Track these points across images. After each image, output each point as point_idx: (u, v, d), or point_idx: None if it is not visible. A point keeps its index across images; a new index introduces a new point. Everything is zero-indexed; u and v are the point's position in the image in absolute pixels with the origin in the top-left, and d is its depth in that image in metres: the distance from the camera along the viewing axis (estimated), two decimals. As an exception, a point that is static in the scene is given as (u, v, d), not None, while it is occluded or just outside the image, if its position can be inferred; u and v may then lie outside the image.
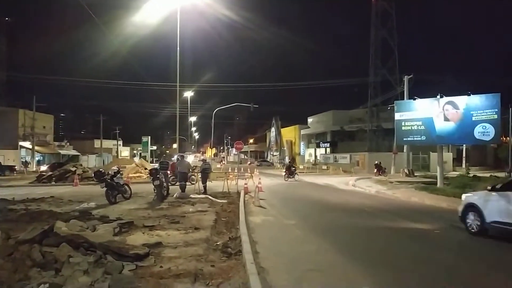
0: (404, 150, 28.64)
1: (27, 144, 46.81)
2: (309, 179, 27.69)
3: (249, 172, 27.00)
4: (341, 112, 52.70)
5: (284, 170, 27.01)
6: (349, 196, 17.03)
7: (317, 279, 5.10)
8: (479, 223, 8.13)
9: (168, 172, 16.33)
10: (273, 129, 72.59)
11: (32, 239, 5.83)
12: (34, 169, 39.38)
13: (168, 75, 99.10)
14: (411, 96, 22.19)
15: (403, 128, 20.30)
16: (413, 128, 19.85)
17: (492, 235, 7.81)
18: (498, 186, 8.21)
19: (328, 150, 53.38)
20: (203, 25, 30.89)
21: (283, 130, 69.87)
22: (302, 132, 62.39)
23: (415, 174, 27.82)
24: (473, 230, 8.26)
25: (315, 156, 56.43)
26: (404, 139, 21.03)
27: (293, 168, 26.76)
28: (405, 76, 28.38)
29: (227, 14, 26.12)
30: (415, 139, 20.19)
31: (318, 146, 56.83)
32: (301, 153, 62.60)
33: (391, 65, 41.88)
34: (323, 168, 42.77)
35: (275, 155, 69.15)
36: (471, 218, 8.41)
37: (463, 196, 9.44)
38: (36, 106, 45.90)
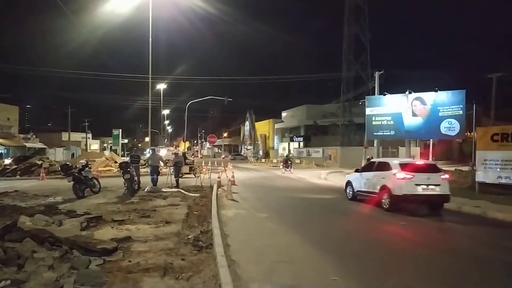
0: (375, 145, 29.37)
1: (-11, 136, 44.67)
2: (282, 172, 27.98)
3: (222, 165, 26.92)
4: (314, 106, 53.37)
5: (282, 163, 28.46)
6: (320, 189, 17.32)
7: (286, 270, 5.18)
8: (352, 192, 12.84)
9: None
10: (247, 123, 72.55)
11: (-7, 235, 5.60)
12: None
13: (140, 67, 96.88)
14: (382, 92, 22.72)
15: (374, 123, 20.78)
16: (383, 123, 20.35)
17: (359, 199, 12.34)
18: (360, 169, 13.09)
19: (302, 144, 54.01)
20: (176, 16, 30.21)
21: (257, 124, 70.00)
22: (276, 126, 62.76)
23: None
24: (349, 197, 13.08)
25: (289, 150, 56.94)
26: (374, 133, 21.54)
27: (290, 162, 28.14)
28: (376, 72, 28.99)
29: (201, 6, 25.71)
30: (384, 133, 20.72)
31: (291, 140, 57.39)
32: (275, 147, 63.01)
33: (363, 60, 42.67)
34: (296, 162, 43.18)
35: (249, 149, 69.24)
36: (348, 189, 13.21)
37: (346, 176, 14.53)
38: (0, 96, 43.83)
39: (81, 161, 15.75)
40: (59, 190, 13.81)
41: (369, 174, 11.86)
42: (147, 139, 65.00)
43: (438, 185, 10.13)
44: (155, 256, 5.59)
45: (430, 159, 32.67)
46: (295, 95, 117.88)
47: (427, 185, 10.08)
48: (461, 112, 17.28)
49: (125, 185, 13.42)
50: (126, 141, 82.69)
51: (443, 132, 17.96)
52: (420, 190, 10.02)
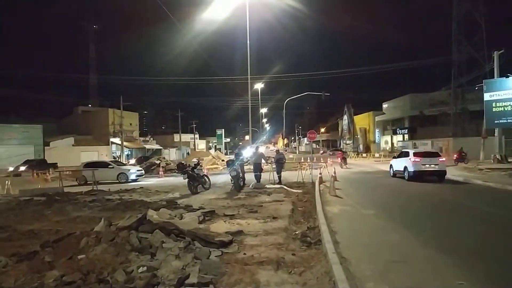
0: (496, 134, 25.95)
1: (117, 140, 51.59)
2: (385, 167, 26.50)
3: (322, 161, 26.68)
4: (419, 95, 49.24)
5: (456, 155, 26.27)
6: (430, 185, 15.94)
7: (403, 271, 4.90)
8: (393, 172, 18.71)
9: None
10: (345, 117, 70.56)
11: (130, 226, 6.44)
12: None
13: (235, 68, 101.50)
14: (503, 74, 19.96)
15: (494, 109, 18.45)
16: (506, 109, 17.94)
17: (397, 176, 17.95)
18: (396, 156, 19.45)
19: (406, 136, 50.41)
20: (268, 17, 30.80)
21: (356, 118, 67.53)
22: (377, 118, 59.64)
23: (509, 160, 25.09)
24: (391, 175, 18.85)
25: (392, 144, 53.73)
26: (496, 121, 19.11)
27: (464, 154, 25.87)
28: (495, 52, 25.52)
29: (292, 5, 25.77)
30: (508, 121, 18.24)
31: (394, 133, 53.95)
32: (376, 141, 60.01)
33: (478, 40, 37.81)
34: (401, 155, 40.54)
35: (349, 144, 67.23)
36: (390, 170, 19.14)
37: (391, 161, 20.22)
38: (123, 105, 50.12)
39: (193, 159, 17.31)
40: (176, 187, 15.30)
41: (399, 159, 18.16)
42: (247, 137, 67.79)
43: (437, 164, 16.17)
44: (266, 250, 5.83)
45: None
46: (396, 85, 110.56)
47: (429, 164, 16.14)
48: None
49: (232, 182, 14.21)
50: (228, 140, 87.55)
51: None
52: (424, 167, 16.11)
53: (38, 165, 30.83)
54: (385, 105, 58.08)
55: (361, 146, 62.67)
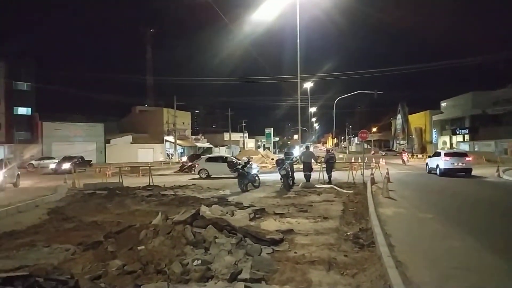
0: None
1: (170, 138, 53.75)
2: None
3: (374, 162, 25.83)
4: (482, 93, 45.95)
5: None
6: (494, 189, 14.84)
7: (465, 279, 4.61)
8: (428, 169, 21.90)
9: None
10: (399, 116, 67.73)
11: (185, 221, 6.69)
12: (177, 160, 44.97)
13: (284, 67, 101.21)
14: None
15: None
16: None
17: (432, 173, 21.08)
18: (431, 156, 23.44)
19: (467, 137, 47.30)
20: (317, 14, 30.31)
21: (410, 117, 64.53)
22: (434, 118, 56.53)
23: None
24: (427, 171, 21.93)
25: (451, 144, 50.68)
26: None
27: None
28: None
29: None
30: None
31: (454, 133, 50.84)
32: (434, 141, 56.92)
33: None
34: (460, 157, 38.06)
35: (402, 144, 64.39)
36: (427, 167, 22.23)
37: (426, 160, 25.03)
38: (177, 104, 52.07)
39: (243, 158, 17.50)
40: (226, 184, 15.64)
41: (433, 158, 21.35)
42: (295, 136, 67.44)
43: (464, 163, 19.17)
44: (317, 250, 5.78)
45: None
46: (453, 83, 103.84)
47: (457, 163, 19.12)
48: None
49: (281, 181, 14.22)
50: (277, 139, 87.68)
51: None
52: (452, 165, 19.11)
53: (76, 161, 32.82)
54: (443, 104, 54.94)
55: (416, 147, 59.82)
